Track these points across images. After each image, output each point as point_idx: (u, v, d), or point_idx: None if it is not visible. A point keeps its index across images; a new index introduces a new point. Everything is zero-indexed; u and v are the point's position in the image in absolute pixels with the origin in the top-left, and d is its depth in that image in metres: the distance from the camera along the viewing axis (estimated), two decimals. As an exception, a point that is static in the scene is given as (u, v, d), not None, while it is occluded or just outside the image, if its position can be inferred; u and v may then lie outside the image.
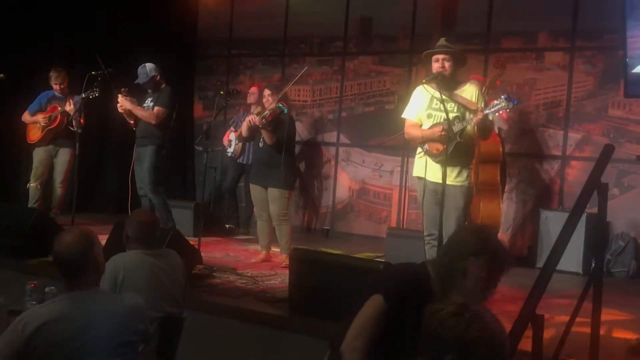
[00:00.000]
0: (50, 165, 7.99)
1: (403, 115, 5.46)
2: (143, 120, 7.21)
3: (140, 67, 7.25)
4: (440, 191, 4.99)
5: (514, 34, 8.01)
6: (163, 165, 7.30)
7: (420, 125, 5.33)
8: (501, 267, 2.88)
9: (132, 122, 7.30)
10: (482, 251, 2.85)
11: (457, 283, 2.84)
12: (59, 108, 7.81)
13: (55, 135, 7.89)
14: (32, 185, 7.91)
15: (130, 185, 7.39)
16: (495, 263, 2.87)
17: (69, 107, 7.67)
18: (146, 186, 7.22)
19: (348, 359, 2.81)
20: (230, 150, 8.67)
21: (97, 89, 7.32)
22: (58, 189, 7.98)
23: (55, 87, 7.94)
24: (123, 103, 7.20)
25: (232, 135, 8.64)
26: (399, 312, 2.81)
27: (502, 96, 5.07)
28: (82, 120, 7.66)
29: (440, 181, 5.00)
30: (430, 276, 2.95)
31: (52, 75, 7.93)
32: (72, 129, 7.59)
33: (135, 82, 7.26)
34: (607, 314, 4.46)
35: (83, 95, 7.40)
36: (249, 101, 8.60)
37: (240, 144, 8.46)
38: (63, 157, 7.94)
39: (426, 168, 5.23)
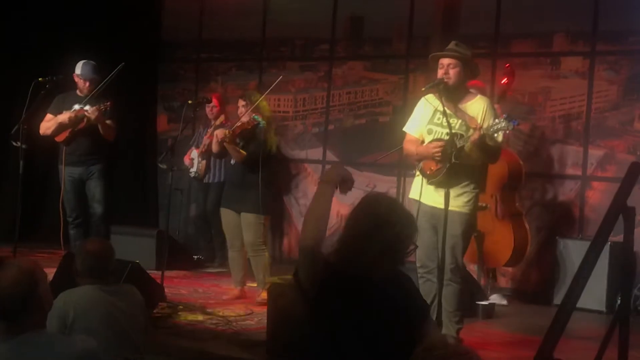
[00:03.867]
0: None
1: (404, 129, 5.50)
2: (88, 134, 7.16)
3: (85, 61, 7.25)
4: (437, 216, 5.00)
5: (525, 36, 8.07)
6: None
7: (422, 142, 5.35)
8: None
9: (66, 135, 7.24)
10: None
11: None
12: None
13: None
14: None
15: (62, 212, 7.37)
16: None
17: None
18: (98, 212, 7.18)
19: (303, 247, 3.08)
20: (193, 170, 8.65)
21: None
22: None
23: None
24: (95, 114, 7.09)
25: (193, 153, 8.63)
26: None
27: (503, 115, 5.10)
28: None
29: (436, 205, 5.03)
30: None
31: None
32: (15, 144, 7.52)
33: (80, 75, 7.23)
34: (635, 359, 4.47)
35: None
36: (210, 116, 8.56)
37: (204, 161, 8.46)
38: None
39: (422, 190, 5.25)
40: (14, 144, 7.18)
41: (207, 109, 8.51)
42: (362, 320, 3.01)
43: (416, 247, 3.17)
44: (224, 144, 6.53)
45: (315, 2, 9.20)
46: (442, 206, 4.99)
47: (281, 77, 7.53)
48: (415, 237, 3.14)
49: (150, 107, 10.13)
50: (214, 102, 8.35)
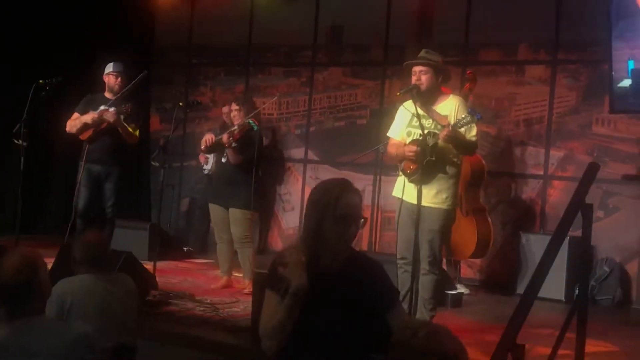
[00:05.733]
0: None
1: (387, 134, 5.58)
2: (110, 135, 7.06)
3: (115, 61, 7.15)
4: (416, 212, 5.02)
5: (493, 45, 8.11)
6: None
7: (405, 144, 5.39)
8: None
9: (89, 134, 7.16)
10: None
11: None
12: None
13: None
14: None
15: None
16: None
17: None
18: (110, 212, 7.12)
19: (265, 342, 3.08)
20: (207, 167, 8.64)
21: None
22: None
23: None
24: (113, 118, 6.99)
25: None
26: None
27: (467, 110, 5.15)
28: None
29: (416, 202, 5.04)
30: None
31: None
32: (17, 142, 7.45)
33: (113, 72, 7.14)
34: (592, 345, 4.50)
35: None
36: (226, 120, 8.49)
37: None
38: None
39: (404, 188, 5.27)
40: (16, 141, 7.12)
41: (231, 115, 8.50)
42: (329, 308, 3.00)
43: (365, 220, 3.16)
44: (227, 149, 6.51)
45: (298, 11, 9.18)
46: (422, 203, 5.00)
47: (276, 97, 7.57)
48: (361, 208, 3.13)
49: (144, 108, 10.06)
50: (225, 109, 8.33)
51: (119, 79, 7.11)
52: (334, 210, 3.01)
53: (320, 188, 3.15)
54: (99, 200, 7.16)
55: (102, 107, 7.06)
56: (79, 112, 7.22)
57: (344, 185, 3.12)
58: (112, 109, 6.92)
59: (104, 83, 7.20)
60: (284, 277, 2.99)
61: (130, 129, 6.98)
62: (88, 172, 7.14)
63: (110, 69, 7.17)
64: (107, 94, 7.13)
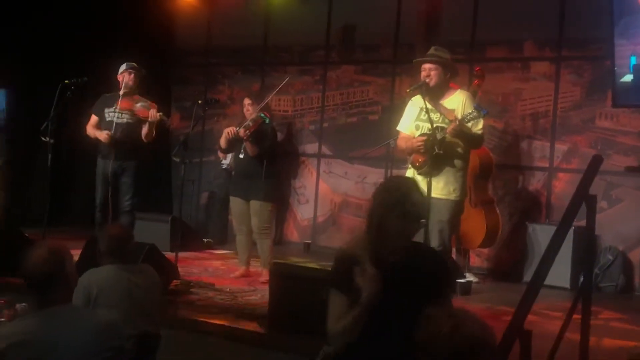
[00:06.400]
0: None
1: (397, 128, 5.56)
2: (128, 134, 7.09)
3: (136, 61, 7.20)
4: (426, 203, 5.00)
5: (499, 43, 8.06)
6: None
7: (414, 137, 5.37)
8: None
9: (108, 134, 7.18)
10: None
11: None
12: None
13: None
14: None
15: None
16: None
17: None
18: (126, 205, 7.14)
19: (334, 339, 3.05)
20: (225, 162, 8.67)
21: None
22: None
23: None
24: (156, 118, 7.00)
25: None
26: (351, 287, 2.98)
27: (473, 106, 5.14)
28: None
29: (426, 193, 5.02)
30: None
31: None
32: (44, 139, 7.47)
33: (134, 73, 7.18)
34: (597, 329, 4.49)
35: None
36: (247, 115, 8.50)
37: None
38: None
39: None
40: (43, 139, 7.15)
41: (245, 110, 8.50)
42: (391, 298, 2.97)
43: (425, 221, 3.15)
44: (245, 142, 6.52)
45: (311, 12, 9.16)
46: (431, 194, 4.99)
47: (287, 78, 7.52)
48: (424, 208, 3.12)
49: (164, 107, 10.07)
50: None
51: (132, 75, 7.15)
52: (398, 208, 3.01)
53: (386, 186, 3.18)
54: (116, 194, 7.20)
55: (140, 104, 7.07)
56: (94, 113, 7.26)
57: (409, 185, 3.14)
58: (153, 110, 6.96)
59: (119, 82, 7.23)
60: (357, 284, 2.95)
61: (152, 131, 7.00)
62: (104, 168, 7.19)
63: (124, 67, 7.20)
64: (122, 91, 7.17)
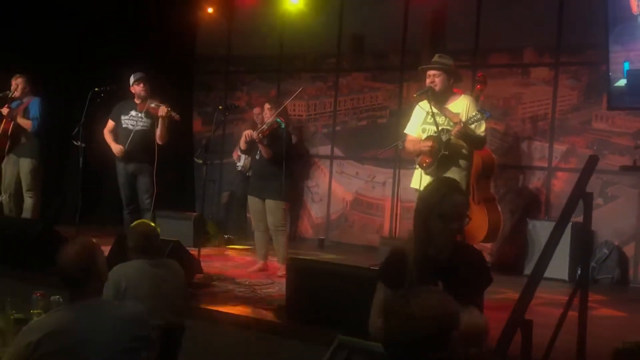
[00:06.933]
0: (16, 176, 7.82)
1: (405, 131, 5.56)
2: (142, 137, 7.12)
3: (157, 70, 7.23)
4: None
5: (500, 50, 8.04)
6: None
7: (421, 140, 5.37)
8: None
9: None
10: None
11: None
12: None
13: (12, 144, 7.76)
14: (4, 197, 7.86)
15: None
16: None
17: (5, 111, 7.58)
18: (146, 203, 7.18)
19: (373, 335, 3.02)
20: (239, 164, 8.70)
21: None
22: (28, 199, 7.89)
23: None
24: (165, 112, 7.03)
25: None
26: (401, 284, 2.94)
27: (476, 109, 5.14)
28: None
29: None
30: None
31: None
32: (76, 143, 7.48)
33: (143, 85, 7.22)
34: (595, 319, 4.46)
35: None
36: (257, 120, 8.54)
37: (249, 158, 8.46)
38: (24, 168, 7.78)
39: (421, 180, 5.27)
40: (75, 143, 7.20)
41: (255, 117, 8.51)
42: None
43: (470, 219, 3.10)
44: (258, 144, 6.54)
45: (323, 23, 9.16)
46: None
47: (301, 88, 7.56)
48: (465, 207, 3.09)
49: (187, 112, 10.12)
50: (257, 110, 8.45)
51: (141, 85, 7.20)
52: (439, 208, 2.99)
53: (430, 187, 3.16)
54: (136, 194, 7.25)
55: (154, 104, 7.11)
56: (112, 119, 7.31)
57: (450, 186, 3.12)
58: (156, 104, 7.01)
59: (132, 94, 7.27)
60: (405, 280, 2.93)
61: (166, 130, 7.04)
62: (124, 169, 7.25)
63: (133, 79, 7.26)
64: (137, 100, 7.21)
